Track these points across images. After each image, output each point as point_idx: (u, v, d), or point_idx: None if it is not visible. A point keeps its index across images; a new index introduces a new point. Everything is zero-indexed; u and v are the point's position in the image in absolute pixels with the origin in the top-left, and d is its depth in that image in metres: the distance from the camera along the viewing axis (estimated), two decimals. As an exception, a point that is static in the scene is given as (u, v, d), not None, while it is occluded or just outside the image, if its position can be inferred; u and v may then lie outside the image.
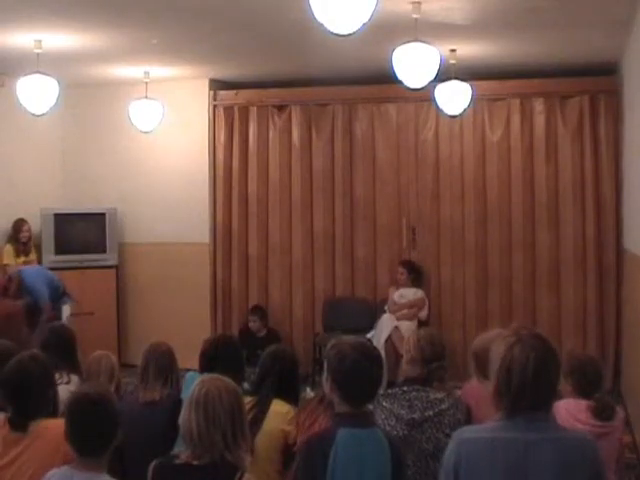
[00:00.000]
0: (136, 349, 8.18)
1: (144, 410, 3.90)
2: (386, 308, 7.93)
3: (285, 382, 3.79)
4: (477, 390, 3.80)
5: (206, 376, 2.89)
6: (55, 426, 3.07)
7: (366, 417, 2.96)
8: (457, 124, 8.00)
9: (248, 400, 3.63)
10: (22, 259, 8.01)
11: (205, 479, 2.68)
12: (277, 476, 3.52)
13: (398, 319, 7.72)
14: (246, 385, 3.66)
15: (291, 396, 3.81)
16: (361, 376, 2.89)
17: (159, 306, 8.69)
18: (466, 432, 2.47)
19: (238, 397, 2.80)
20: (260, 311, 8.26)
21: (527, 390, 2.30)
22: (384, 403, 3.56)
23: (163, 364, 4.06)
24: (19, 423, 3.13)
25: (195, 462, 2.68)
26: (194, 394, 2.76)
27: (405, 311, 7.82)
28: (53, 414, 3.30)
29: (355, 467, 2.81)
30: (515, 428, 2.31)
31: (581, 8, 5.60)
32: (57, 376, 4.20)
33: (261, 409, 3.63)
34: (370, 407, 3.58)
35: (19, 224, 7.97)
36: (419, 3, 5.33)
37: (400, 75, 5.75)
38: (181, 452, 2.77)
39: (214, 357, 3.88)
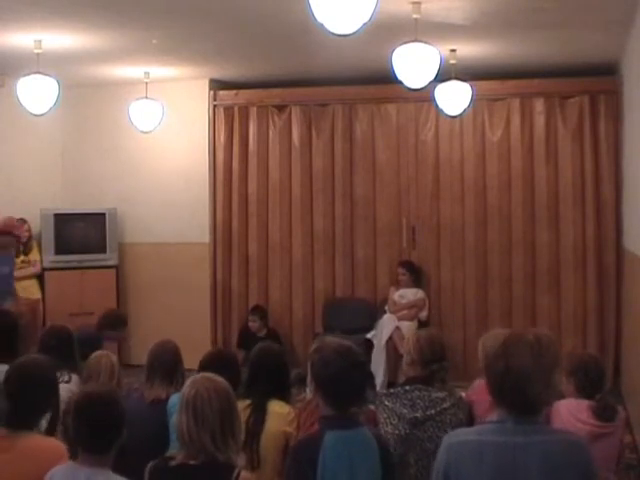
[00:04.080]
0: (136, 349, 8.20)
1: (150, 409, 3.90)
2: (386, 308, 7.93)
3: (275, 380, 3.77)
4: (485, 387, 3.82)
5: (197, 376, 2.89)
6: (45, 448, 3.00)
7: (352, 418, 2.95)
8: (457, 124, 8.00)
9: (247, 403, 3.63)
10: (21, 258, 8.01)
11: (203, 478, 2.69)
12: (278, 477, 3.52)
13: (398, 319, 7.72)
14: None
15: (283, 394, 3.79)
16: (345, 382, 2.89)
17: (159, 306, 8.69)
18: (456, 435, 2.47)
19: (229, 397, 2.80)
20: (260, 311, 8.26)
21: (505, 390, 2.29)
22: (386, 402, 3.57)
23: (169, 363, 4.05)
24: (15, 422, 3.05)
25: (192, 462, 2.70)
26: (184, 395, 2.78)
27: (405, 311, 7.82)
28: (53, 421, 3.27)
29: (345, 468, 2.82)
30: (503, 431, 2.30)
31: (581, 8, 5.60)
32: (57, 375, 4.21)
33: (261, 411, 3.62)
34: (372, 407, 3.60)
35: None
36: (419, 3, 5.33)
37: (400, 75, 5.75)
38: (177, 453, 2.78)
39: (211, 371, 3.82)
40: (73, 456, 2.79)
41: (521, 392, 2.27)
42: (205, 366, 3.79)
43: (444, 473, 2.35)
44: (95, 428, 2.73)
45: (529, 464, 2.25)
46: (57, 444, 3.00)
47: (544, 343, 2.33)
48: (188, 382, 2.84)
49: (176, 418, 2.80)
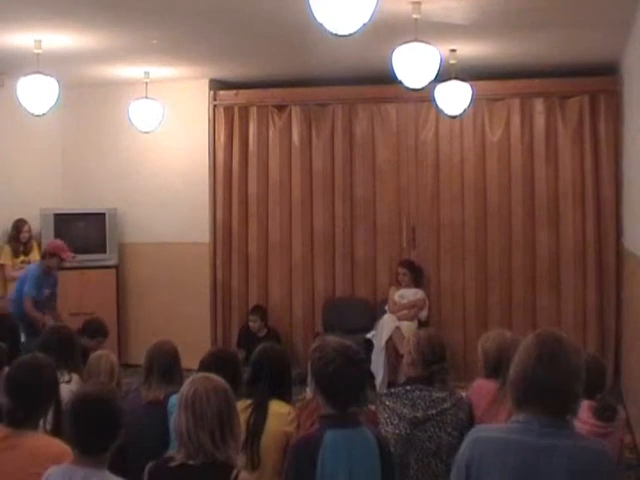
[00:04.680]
0: (136, 349, 8.20)
1: (148, 410, 3.89)
2: (386, 308, 7.93)
3: (277, 380, 3.75)
4: (485, 388, 3.82)
5: (196, 375, 2.89)
6: (47, 448, 3.01)
7: (352, 417, 2.96)
8: (457, 124, 8.00)
9: (248, 403, 3.63)
10: (21, 259, 8.03)
11: (202, 478, 2.69)
12: (278, 477, 3.52)
13: (398, 319, 7.72)
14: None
15: (285, 394, 3.78)
16: (344, 380, 2.90)
17: (159, 306, 8.69)
18: (482, 430, 2.47)
19: (228, 397, 2.79)
20: (260, 311, 8.26)
21: (528, 386, 2.28)
22: (387, 402, 3.58)
23: (167, 363, 4.03)
24: (17, 420, 3.05)
25: (191, 462, 2.70)
26: (183, 394, 2.78)
27: (405, 311, 7.82)
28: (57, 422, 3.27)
29: (344, 467, 2.83)
30: (529, 432, 2.29)
31: (581, 8, 5.60)
32: (58, 375, 4.21)
33: (261, 411, 3.62)
34: (372, 407, 3.60)
35: (19, 224, 7.98)
36: (419, 3, 5.33)
37: (400, 75, 5.74)
38: (176, 454, 2.77)
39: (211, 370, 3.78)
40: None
41: (552, 394, 2.27)
42: (206, 366, 3.79)
43: (466, 466, 2.34)
44: (91, 428, 2.71)
45: (553, 468, 2.24)
46: (59, 444, 3.00)
47: (575, 346, 2.35)
48: (187, 382, 2.84)
49: (175, 418, 2.80)
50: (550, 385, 2.28)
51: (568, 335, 2.39)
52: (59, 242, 7.38)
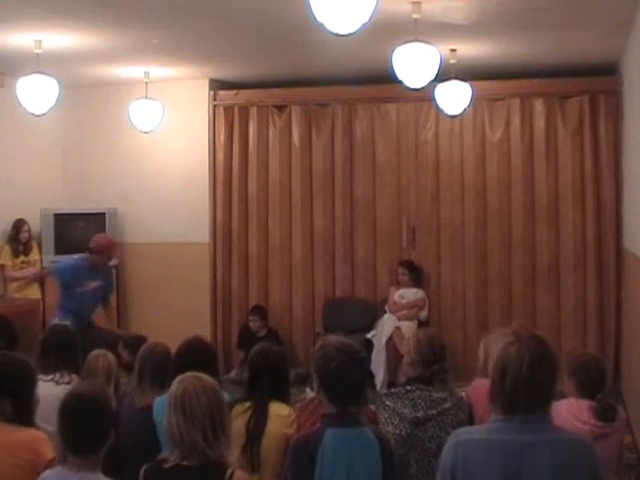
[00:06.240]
0: (136, 349, 8.19)
1: (140, 414, 3.85)
2: (387, 308, 7.93)
3: (275, 381, 3.74)
4: (484, 387, 3.82)
5: (184, 375, 2.89)
6: (18, 434, 3.01)
7: (353, 417, 2.98)
8: (457, 124, 7.99)
9: (247, 405, 3.62)
10: (21, 259, 8.02)
11: (196, 478, 2.69)
12: (279, 479, 3.52)
13: (398, 319, 7.73)
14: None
15: (283, 395, 3.77)
16: (346, 379, 2.93)
17: (159, 306, 8.68)
18: (463, 433, 2.47)
19: (217, 394, 2.80)
20: (260, 311, 8.27)
21: (521, 391, 2.30)
22: (387, 402, 3.58)
23: (159, 367, 3.98)
24: None
25: (184, 462, 2.70)
26: (172, 394, 2.79)
27: (405, 311, 7.83)
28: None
29: (344, 466, 2.85)
30: (511, 430, 2.30)
31: (581, 8, 5.60)
32: (58, 376, 4.20)
33: (262, 413, 3.60)
34: (372, 407, 3.60)
35: (19, 224, 7.98)
36: (419, 3, 5.33)
37: (400, 75, 5.74)
38: (169, 455, 2.77)
39: (187, 361, 3.72)
40: (63, 459, 2.77)
41: (540, 393, 2.30)
42: (182, 353, 3.82)
43: (451, 472, 2.35)
44: (81, 429, 2.70)
45: (538, 463, 2.26)
46: (29, 430, 3.00)
47: (550, 340, 2.39)
48: (175, 381, 2.84)
49: (166, 419, 2.79)
50: (539, 386, 2.31)
51: (539, 330, 2.45)
52: (107, 238, 6.98)
